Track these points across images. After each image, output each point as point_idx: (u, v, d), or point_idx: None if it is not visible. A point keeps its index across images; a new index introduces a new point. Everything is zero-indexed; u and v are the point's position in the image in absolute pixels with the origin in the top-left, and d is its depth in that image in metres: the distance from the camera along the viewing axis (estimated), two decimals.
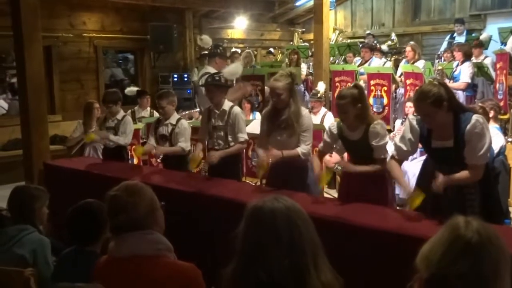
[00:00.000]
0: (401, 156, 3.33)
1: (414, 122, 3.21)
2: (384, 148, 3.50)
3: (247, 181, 5.62)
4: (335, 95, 7.88)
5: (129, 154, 5.80)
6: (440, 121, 3.00)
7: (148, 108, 7.43)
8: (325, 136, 3.79)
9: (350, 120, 3.53)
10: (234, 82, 5.46)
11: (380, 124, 3.51)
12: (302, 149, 3.78)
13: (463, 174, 2.97)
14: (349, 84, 7.57)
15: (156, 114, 6.56)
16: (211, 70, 5.35)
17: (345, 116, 3.54)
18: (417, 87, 6.54)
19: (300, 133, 3.78)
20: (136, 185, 2.12)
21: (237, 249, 1.57)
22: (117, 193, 2.04)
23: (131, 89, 7.76)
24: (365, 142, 3.49)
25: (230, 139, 4.33)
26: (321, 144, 3.86)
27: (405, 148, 3.26)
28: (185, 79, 9.95)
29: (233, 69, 4.91)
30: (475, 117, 2.97)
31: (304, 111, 3.90)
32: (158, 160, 6.03)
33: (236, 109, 4.39)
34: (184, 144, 4.70)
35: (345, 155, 4.08)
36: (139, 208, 2.03)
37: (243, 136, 4.31)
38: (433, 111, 2.95)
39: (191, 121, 6.79)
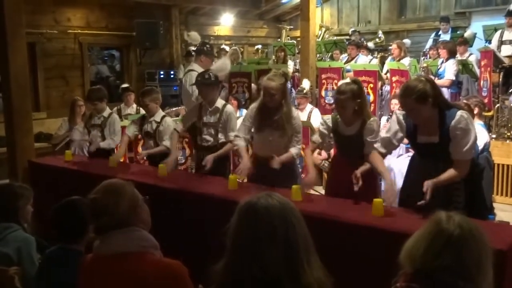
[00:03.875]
0: (386, 149, 3.34)
1: (401, 117, 3.23)
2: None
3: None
4: (321, 92, 7.92)
5: (115, 151, 5.74)
6: (425, 116, 3.02)
7: (134, 105, 7.38)
8: (321, 128, 3.81)
9: (348, 115, 3.54)
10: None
11: (375, 121, 3.55)
12: (295, 149, 3.81)
13: (450, 173, 2.97)
14: (335, 81, 7.60)
15: (142, 111, 6.52)
16: (196, 67, 5.31)
17: (343, 111, 3.54)
18: (403, 84, 6.59)
19: (294, 134, 3.81)
20: (115, 183, 2.10)
21: (229, 246, 1.56)
22: (96, 196, 2.03)
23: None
24: (359, 137, 3.51)
25: (220, 136, 4.32)
26: (316, 136, 3.86)
27: (391, 141, 3.27)
28: (172, 76, 9.91)
29: (221, 65, 4.88)
30: (459, 113, 2.99)
31: (295, 112, 3.93)
32: (144, 158, 5.99)
33: (230, 107, 4.38)
34: (169, 142, 4.68)
35: (332, 151, 4.10)
36: (120, 207, 2.02)
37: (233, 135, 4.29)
38: (418, 106, 2.96)
39: (177, 118, 6.76)
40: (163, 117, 4.78)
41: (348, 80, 3.74)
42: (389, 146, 3.33)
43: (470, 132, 2.97)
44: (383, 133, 3.39)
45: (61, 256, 2.60)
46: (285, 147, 3.82)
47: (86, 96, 5.61)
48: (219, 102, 4.35)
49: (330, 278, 1.56)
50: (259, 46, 11.68)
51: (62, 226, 2.64)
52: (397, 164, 5.39)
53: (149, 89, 4.94)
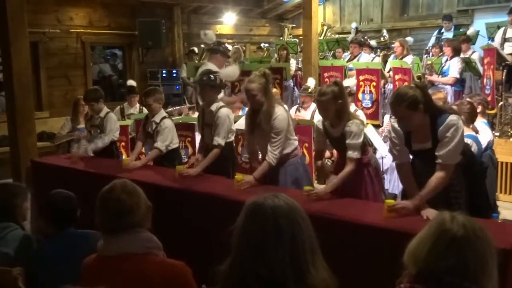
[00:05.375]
0: (402, 158, 3.23)
1: (396, 125, 3.20)
2: (356, 147, 3.47)
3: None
4: None
5: (118, 149, 5.76)
6: (416, 123, 3.00)
7: (137, 105, 7.38)
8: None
9: (331, 117, 3.57)
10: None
11: (355, 123, 3.51)
12: (270, 157, 3.74)
13: (435, 182, 2.94)
14: (338, 79, 7.57)
15: (145, 111, 6.52)
16: (211, 66, 5.27)
17: (326, 112, 3.57)
18: (405, 83, 6.57)
19: (271, 134, 3.75)
20: (129, 184, 2.10)
21: (234, 246, 1.57)
22: (120, 196, 2.02)
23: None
24: (344, 139, 3.51)
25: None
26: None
27: (400, 148, 3.19)
28: (174, 75, 9.90)
29: (231, 72, 4.92)
30: (450, 117, 2.98)
31: (278, 112, 3.78)
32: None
33: (222, 111, 4.26)
34: (160, 144, 4.59)
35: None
36: (141, 207, 2.05)
37: (217, 140, 4.18)
38: (409, 113, 2.95)
39: (180, 117, 6.76)
40: (163, 118, 4.74)
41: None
42: (402, 153, 3.22)
43: (456, 137, 2.94)
44: (390, 147, 3.36)
45: (80, 234, 2.72)
46: None
47: (83, 96, 5.64)
48: (215, 105, 4.32)
49: (335, 279, 1.56)
50: (265, 45, 11.64)
51: (54, 210, 2.78)
52: None
53: (152, 89, 4.94)
